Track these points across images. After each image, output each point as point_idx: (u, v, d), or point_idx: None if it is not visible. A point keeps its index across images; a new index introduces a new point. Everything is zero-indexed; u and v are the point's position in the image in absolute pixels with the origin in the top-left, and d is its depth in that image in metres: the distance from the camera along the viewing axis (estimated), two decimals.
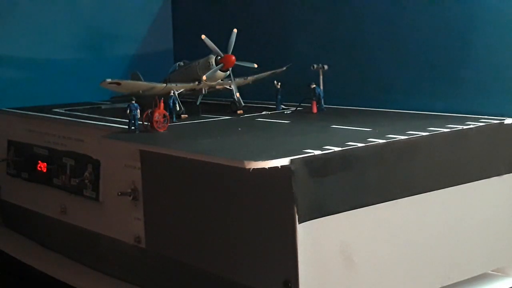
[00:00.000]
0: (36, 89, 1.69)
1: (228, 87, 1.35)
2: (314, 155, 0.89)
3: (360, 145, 0.94)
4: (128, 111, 1.14)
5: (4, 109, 1.57)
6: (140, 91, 1.32)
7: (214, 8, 1.79)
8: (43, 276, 1.31)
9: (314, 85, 1.30)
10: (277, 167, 0.85)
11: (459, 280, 1.05)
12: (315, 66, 1.33)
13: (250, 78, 1.42)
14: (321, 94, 1.30)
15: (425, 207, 0.99)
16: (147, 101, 1.20)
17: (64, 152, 1.30)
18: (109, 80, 1.27)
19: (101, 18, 1.81)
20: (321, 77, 1.32)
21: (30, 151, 1.40)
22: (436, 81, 1.29)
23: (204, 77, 1.29)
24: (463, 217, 1.04)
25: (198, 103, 1.35)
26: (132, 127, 1.15)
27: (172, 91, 1.27)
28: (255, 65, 1.32)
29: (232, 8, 1.72)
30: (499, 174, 1.07)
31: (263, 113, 1.32)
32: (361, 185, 0.93)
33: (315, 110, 1.30)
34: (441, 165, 1.01)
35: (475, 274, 1.08)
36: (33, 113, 1.46)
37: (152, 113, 1.13)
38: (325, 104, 1.30)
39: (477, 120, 1.11)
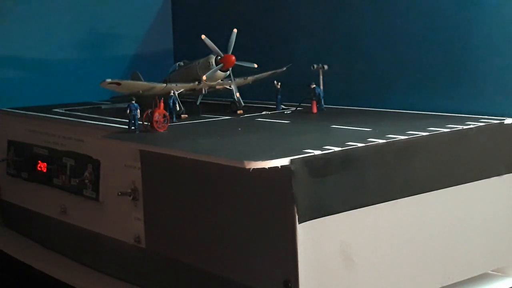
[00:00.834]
0: (36, 89, 1.69)
1: (228, 87, 1.35)
2: (314, 155, 0.89)
3: (360, 145, 0.94)
4: (128, 111, 1.14)
5: (4, 109, 1.57)
6: (140, 91, 1.32)
7: (214, 8, 1.79)
8: (43, 276, 1.31)
9: (314, 85, 1.30)
10: (277, 167, 0.85)
11: (459, 280, 1.05)
12: (315, 66, 1.33)
13: (250, 78, 1.42)
14: (321, 94, 1.30)
15: (425, 207, 0.99)
16: (147, 101, 1.20)
17: (64, 152, 1.30)
18: (109, 80, 1.27)
19: (101, 18, 1.81)
20: (321, 77, 1.32)
21: (30, 151, 1.40)
22: (436, 81, 1.29)
23: (204, 77, 1.29)
24: (463, 217, 1.04)
25: (198, 103, 1.35)
26: (132, 127, 1.15)
27: (172, 91, 1.27)
28: (255, 65, 1.32)
29: (232, 8, 1.72)
30: (499, 174, 1.07)
31: (263, 113, 1.32)
32: (361, 185, 0.93)
33: (315, 110, 1.30)
34: (441, 165, 1.01)
35: (475, 274, 1.08)
36: (33, 113, 1.46)
37: (152, 113, 1.13)
38: (325, 104, 1.30)
39: (477, 120, 1.10)
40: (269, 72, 1.43)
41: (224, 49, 1.29)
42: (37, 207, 1.41)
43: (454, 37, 1.26)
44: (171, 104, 1.24)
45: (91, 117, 1.36)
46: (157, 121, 1.13)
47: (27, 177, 1.42)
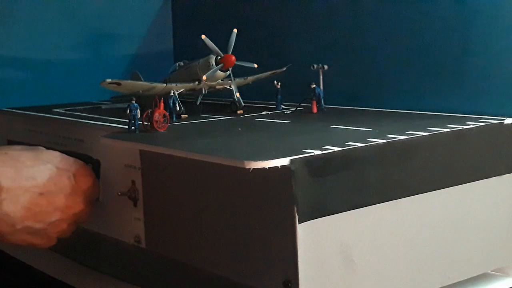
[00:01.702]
0: (36, 89, 1.69)
1: (228, 87, 1.35)
2: (314, 155, 0.89)
3: (360, 145, 0.94)
4: (128, 111, 1.14)
5: (4, 109, 1.57)
6: (140, 91, 1.32)
7: (214, 8, 1.79)
8: (43, 276, 1.31)
9: (314, 85, 1.30)
10: (277, 167, 0.85)
11: (459, 280, 1.05)
12: (315, 66, 1.33)
13: (250, 78, 1.42)
14: (321, 94, 1.30)
15: (425, 207, 0.99)
16: (147, 101, 1.20)
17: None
18: (109, 80, 1.27)
19: (101, 18, 1.81)
20: (321, 77, 1.32)
21: None
22: (436, 81, 1.29)
23: (204, 77, 1.29)
24: (463, 217, 1.04)
25: (198, 103, 1.35)
26: (132, 127, 1.14)
27: (172, 91, 1.27)
28: (255, 65, 1.32)
29: (232, 8, 1.72)
30: (499, 174, 1.07)
31: (263, 113, 1.32)
32: (361, 185, 0.93)
33: (315, 110, 1.29)
34: (441, 165, 1.01)
35: (475, 274, 1.08)
36: (33, 113, 1.46)
37: (152, 113, 1.13)
38: (325, 104, 1.30)
39: (477, 120, 1.11)
40: (269, 72, 1.43)
41: (224, 49, 1.28)
42: None
43: (454, 37, 1.26)
44: (171, 104, 1.24)
45: (91, 117, 1.36)
46: (157, 121, 1.13)
47: None
